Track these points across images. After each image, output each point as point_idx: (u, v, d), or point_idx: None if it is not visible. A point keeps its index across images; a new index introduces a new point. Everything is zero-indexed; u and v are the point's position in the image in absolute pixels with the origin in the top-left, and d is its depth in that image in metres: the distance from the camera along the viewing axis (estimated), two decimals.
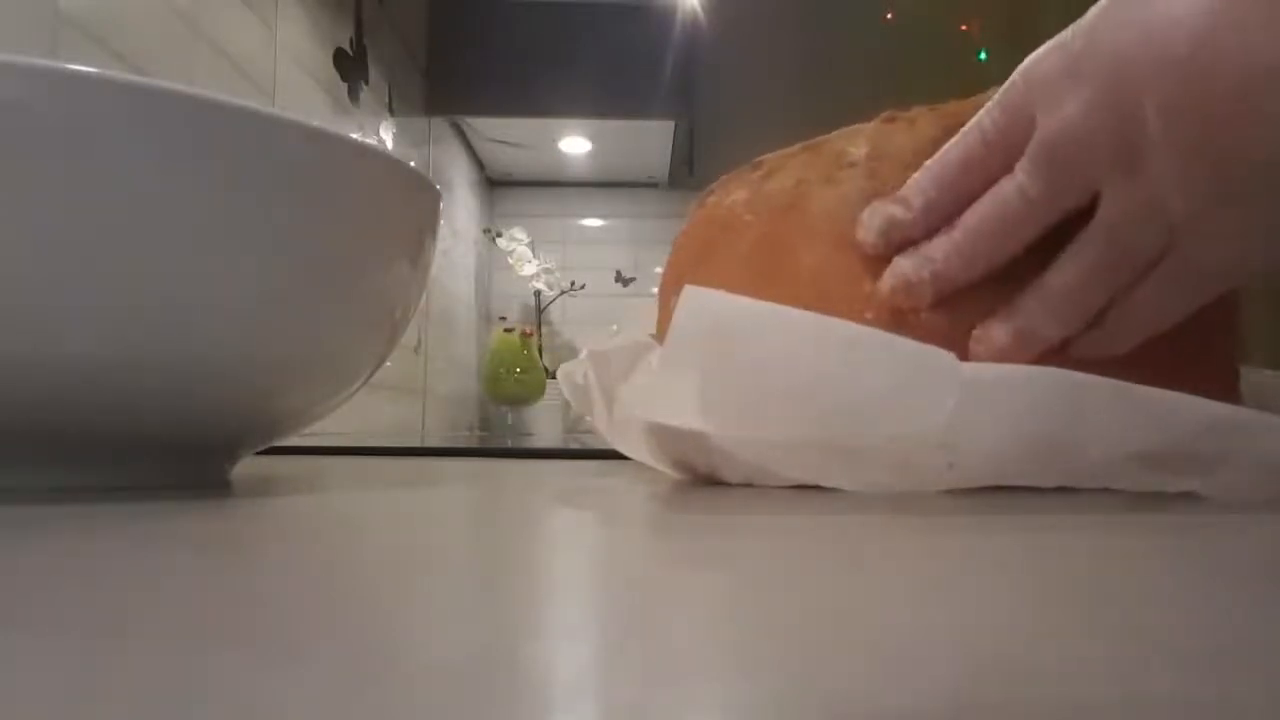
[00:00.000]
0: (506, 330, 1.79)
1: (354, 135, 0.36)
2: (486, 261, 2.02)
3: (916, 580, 0.15)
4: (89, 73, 0.21)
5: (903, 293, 0.30)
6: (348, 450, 0.60)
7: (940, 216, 0.30)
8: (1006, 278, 0.30)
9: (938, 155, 0.31)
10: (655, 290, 0.40)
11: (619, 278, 2.09)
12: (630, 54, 1.63)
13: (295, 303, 0.26)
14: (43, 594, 0.12)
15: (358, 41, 1.24)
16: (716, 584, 0.14)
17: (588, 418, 0.37)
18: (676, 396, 0.27)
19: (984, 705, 0.08)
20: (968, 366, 0.27)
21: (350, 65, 1.21)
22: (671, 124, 1.72)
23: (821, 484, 0.29)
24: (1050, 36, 0.29)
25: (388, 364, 0.33)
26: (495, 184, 2.09)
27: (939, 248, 0.30)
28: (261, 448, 0.32)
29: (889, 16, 1.56)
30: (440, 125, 1.68)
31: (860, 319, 0.29)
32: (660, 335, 0.35)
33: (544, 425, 1.80)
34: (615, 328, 2.03)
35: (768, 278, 0.31)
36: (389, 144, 1.37)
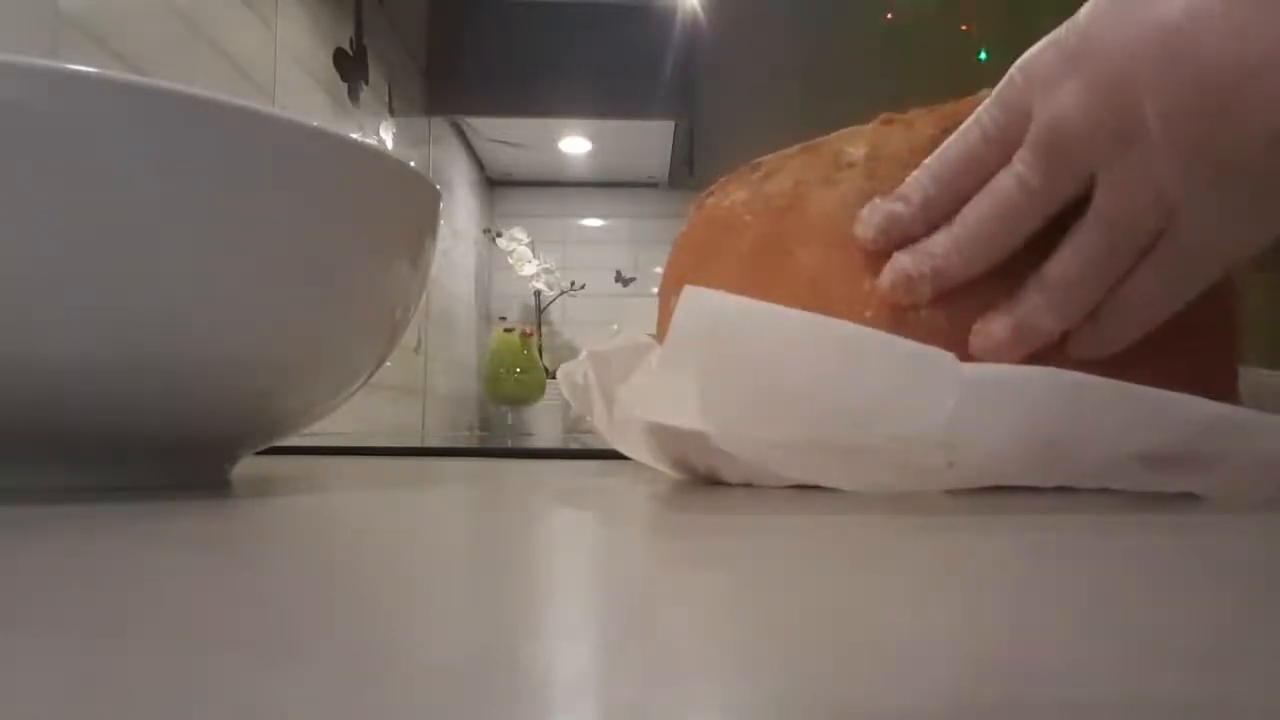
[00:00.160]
0: (506, 330, 1.79)
1: (354, 135, 0.36)
2: (486, 261, 2.02)
3: (916, 580, 0.15)
4: (89, 73, 0.21)
5: (903, 288, 0.30)
6: (348, 450, 0.60)
7: (940, 213, 0.30)
8: (1005, 275, 0.30)
9: (937, 152, 0.31)
10: (655, 290, 0.40)
11: (619, 278, 2.09)
12: (630, 54, 1.63)
13: (295, 303, 0.26)
14: (43, 594, 0.12)
15: (358, 41, 1.24)
16: (716, 584, 0.14)
17: (588, 418, 0.37)
18: (676, 396, 0.27)
19: (984, 705, 0.08)
20: (968, 366, 0.27)
21: (350, 65, 1.21)
22: (671, 124, 1.71)
23: (821, 484, 0.29)
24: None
25: (388, 364, 0.33)
26: (495, 184, 2.09)
27: (939, 243, 0.30)
28: (261, 448, 0.32)
29: (889, 16, 1.57)
30: (440, 125, 1.68)
31: (860, 318, 0.29)
32: (660, 335, 0.35)
33: (544, 425, 1.80)
34: (615, 328, 2.03)
35: (767, 278, 0.31)
36: (389, 144, 1.37)
